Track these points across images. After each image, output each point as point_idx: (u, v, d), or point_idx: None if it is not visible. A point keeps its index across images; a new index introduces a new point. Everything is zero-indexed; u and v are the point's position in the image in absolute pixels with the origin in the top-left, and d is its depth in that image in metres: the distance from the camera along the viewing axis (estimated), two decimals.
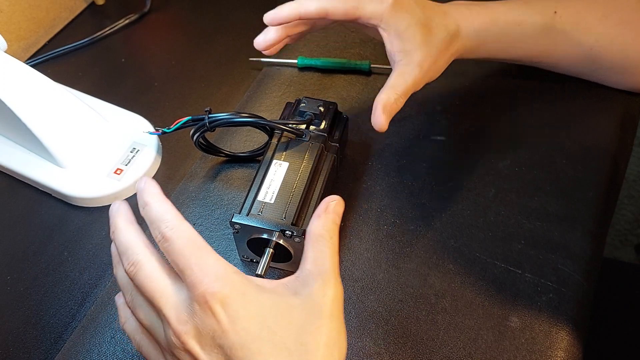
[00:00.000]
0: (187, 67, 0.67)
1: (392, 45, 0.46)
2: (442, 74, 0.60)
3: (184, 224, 0.32)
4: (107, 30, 0.70)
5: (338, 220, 0.36)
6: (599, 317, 0.54)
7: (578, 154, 0.53)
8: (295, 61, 0.62)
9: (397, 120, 0.57)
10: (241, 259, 0.48)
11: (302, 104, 0.50)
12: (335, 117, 0.51)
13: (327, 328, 0.32)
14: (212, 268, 0.31)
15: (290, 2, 0.45)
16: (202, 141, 0.51)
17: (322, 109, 0.49)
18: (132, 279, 0.33)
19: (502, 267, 0.46)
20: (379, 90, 0.60)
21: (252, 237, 0.44)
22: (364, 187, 0.52)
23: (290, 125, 0.48)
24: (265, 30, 0.48)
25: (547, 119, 0.56)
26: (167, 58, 0.68)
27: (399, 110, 0.46)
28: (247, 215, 0.43)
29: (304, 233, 0.43)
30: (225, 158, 0.55)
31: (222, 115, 0.48)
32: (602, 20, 0.53)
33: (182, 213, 0.51)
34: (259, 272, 0.42)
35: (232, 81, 0.65)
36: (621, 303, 0.73)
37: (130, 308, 0.35)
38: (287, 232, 0.42)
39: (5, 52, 0.53)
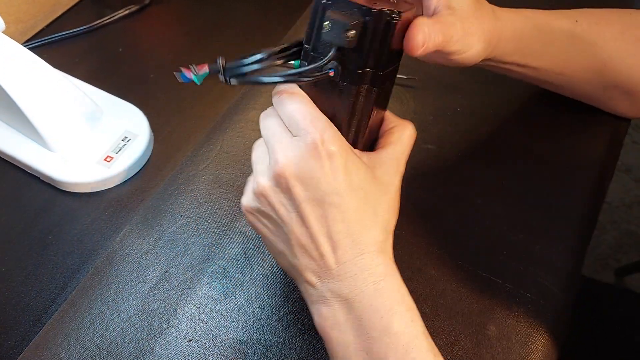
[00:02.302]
0: (184, 62, 0.66)
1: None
2: (436, 84, 0.61)
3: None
4: (106, 19, 0.71)
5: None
6: (576, 334, 0.55)
7: (564, 171, 0.54)
8: None
9: None
10: None
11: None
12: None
13: (393, 201, 0.39)
14: (326, 124, 0.36)
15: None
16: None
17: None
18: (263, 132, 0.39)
19: (483, 276, 0.47)
20: None
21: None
22: None
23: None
24: None
25: (536, 135, 0.57)
26: (164, 51, 0.69)
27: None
28: None
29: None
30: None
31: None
32: (618, 36, 0.53)
33: (170, 204, 0.52)
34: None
35: None
36: (599, 322, 0.74)
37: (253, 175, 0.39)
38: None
39: (3, 32, 0.53)
